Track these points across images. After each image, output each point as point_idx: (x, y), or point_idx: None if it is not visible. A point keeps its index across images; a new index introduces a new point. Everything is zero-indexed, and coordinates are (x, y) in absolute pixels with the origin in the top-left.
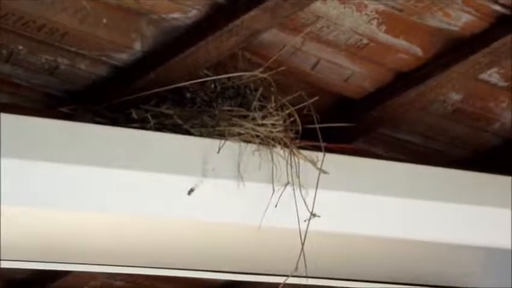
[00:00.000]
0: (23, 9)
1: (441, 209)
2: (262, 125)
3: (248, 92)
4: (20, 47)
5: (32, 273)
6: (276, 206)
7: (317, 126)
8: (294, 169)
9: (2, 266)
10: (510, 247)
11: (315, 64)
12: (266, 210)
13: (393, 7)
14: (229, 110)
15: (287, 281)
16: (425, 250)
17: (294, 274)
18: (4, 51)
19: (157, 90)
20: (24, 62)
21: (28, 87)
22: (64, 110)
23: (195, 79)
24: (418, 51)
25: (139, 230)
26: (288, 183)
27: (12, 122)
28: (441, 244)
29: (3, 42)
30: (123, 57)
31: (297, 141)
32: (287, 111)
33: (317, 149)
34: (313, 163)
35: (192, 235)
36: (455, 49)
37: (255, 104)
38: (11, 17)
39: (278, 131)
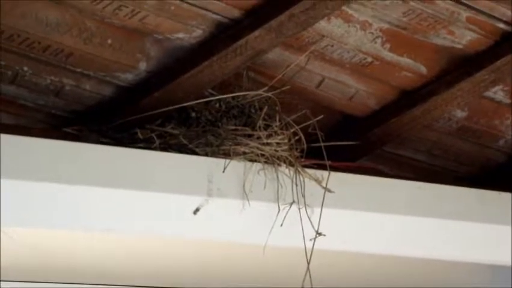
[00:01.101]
0: (28, 30)
1: (446, 226)
2: (267, 144)
3: (253, 111)
4: (25, 68)
5: None
6: (281, 225)
7: (322, 144)
8: (299, 188)
9: (8, 287)
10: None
11: (320, 83)
12: (272, 229)
13: (397, 26)
14: (234, 129)
15: None
16: (431, 268)
17: None
18: (9, 73)
19: (162, 110)
20: (30, 83)
21: (33, 108)
22: (69, 130)
23: (200, 99)
24: (422, 69)
25: (144, 250)
26: (293, 202)
27: (18, 143)
28: (447, 262)
29: (8, 64)
30: (128, 77)
31: (302, 159)
32: (292, 130)
33: (322, 167)
34: (319, 182)
35: (197, 254)
36: (460, 67)
37: (260, 123)
38: (16, 38)
39: (283, 150)
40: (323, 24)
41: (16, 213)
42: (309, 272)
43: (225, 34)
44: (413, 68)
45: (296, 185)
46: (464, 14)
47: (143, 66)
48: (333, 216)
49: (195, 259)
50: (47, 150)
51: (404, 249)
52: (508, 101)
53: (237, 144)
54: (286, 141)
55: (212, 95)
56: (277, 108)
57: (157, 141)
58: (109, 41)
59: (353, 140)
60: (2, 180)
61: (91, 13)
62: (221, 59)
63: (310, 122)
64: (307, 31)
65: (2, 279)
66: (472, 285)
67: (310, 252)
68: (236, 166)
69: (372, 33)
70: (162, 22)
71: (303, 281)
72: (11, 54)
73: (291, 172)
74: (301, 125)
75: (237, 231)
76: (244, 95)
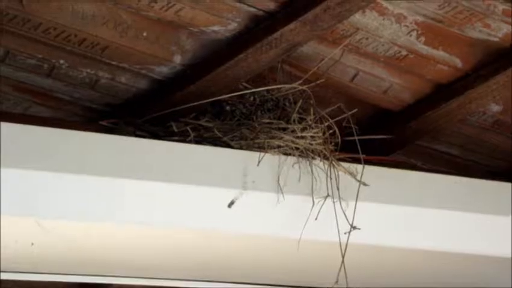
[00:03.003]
0: (64, 23)
1: (482, 220)
2: (302, 137)
3: (287, 104)
4: (62, 61)
5: (72, 286)
6: (316, 219)
7: (356, 138)
8: (333, 181)
9: (45, 279)
10: None
11: (354, 76)
12: (306, 222)
13: (432, 18)
14: (268, 123)
15: None
16: (467, 262)
17: (335, 287)
18: (46, 66)
19: (197, 103)
20: (66, 76)
21: (69, 101)
22: (104, 123)
23: (234, 92)
24: (458, 62)
25: (179, 243)
26: (328, 195)
27: (54, 136)
28: (483, 256)
29: (44, 57)
30: (163, 70)
31: (337, 153)
32: (326, 124)
33: (357, 161)
34: (353, 175)
35: (232, 248)
36: (495, 60)
37: (294, 116)
38: (52, 31)
39: (317, 143)
40: (357, 17)
41: (52, 205)
42: (344, 265)
43: (259, 27)
44: (448, 61)
45: (330, 179)
46: (501, 6)
47: (178, 59)
48: (367, 210)
49: (229, 252)
50: (82, 143)
51: (438, 244)
52: None
53: (272, 137)
54: (320, 134)
55: (246, 88)
56: (311, 101)
57: (192, 134)
58: (145, 34)
59: (387, 134)
60: (38, 173)
61: (126, 6)
62: (256, 52)
63: (345, 115)
64: (342, 24)
65: (33, 271)
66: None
67: (344, 246)
68: (270, 159)
69: (407, 26)
70: (197, 15)
71: (338, 274)
72: (47, 47)
73: (326, 165)
74: (336, 119)
75: (271, 225)
76: (278, 88)
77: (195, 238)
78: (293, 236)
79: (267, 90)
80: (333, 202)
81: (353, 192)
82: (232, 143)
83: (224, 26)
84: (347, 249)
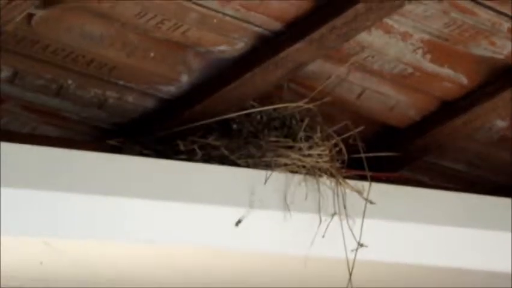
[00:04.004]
0: (72, 44)
1: (489, 237)
2: (309, 155)
3: (294, 122)
4: (70, 81)
5: None
6: (323, 236)
7: (363, 155)
8: (340, 199)
9: None
10: None
11: (360, 94)
12: (313, 240)
13: (438, 36)
14: (275, 141)
15: None
16: (474, 279)
17: None
18: (54, 86)
19: (204, 122)
20: (74, 96)
21: (77, 120)
22: (112, 142)
23: (241, 110)
24: (463, 79)
25: (187, 262)
26: (335, 213)
27: (61, 156)
28: (490, 273)
29: (53, 77)
30: (170, 89)
31: (343, 171)
32: (333, 141)
33: (363, 178)
34: (360, 193)
35: (239, 266)
36: (501, 77)
37: (301, 134)
38: (60, 52)
39: (324, 161)
40: (363, 36)
41: (59, 225)
42: (351, 283)
43: (266, 47)
44: (453, 79)
45: (337, 196)
46: (506, 24)
47: (185, 78)
48: (374, 227)
49: (237, 271)
50: (90, 163)
51: (446, 260)
52: None
53: (279, 155)
54: (327, 152)
55: (253, 106)
56: (318, 119)
57: (199, 153)
58: (152, 54)
59: (394, 151)
60: (46, 192)
61: (134, 27)
62: (262, 71)
63: (351, 133)
64: (348, 43)
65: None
66: None
67: (352, 263)
68: (277, 178)
69: (413, 44)
70: (204, 35)
71: None
72: (55, 67)
73: (333, 183)
74: (342, 136)
75: (278, 243)
76: (285, 107)
77: (202, 257)
78: (300, 253)
79: (274, 109)
80: (340, 220)
81: (360, 210)
82: (239, 162)
83: (231, 45)
84: (354, 266)
